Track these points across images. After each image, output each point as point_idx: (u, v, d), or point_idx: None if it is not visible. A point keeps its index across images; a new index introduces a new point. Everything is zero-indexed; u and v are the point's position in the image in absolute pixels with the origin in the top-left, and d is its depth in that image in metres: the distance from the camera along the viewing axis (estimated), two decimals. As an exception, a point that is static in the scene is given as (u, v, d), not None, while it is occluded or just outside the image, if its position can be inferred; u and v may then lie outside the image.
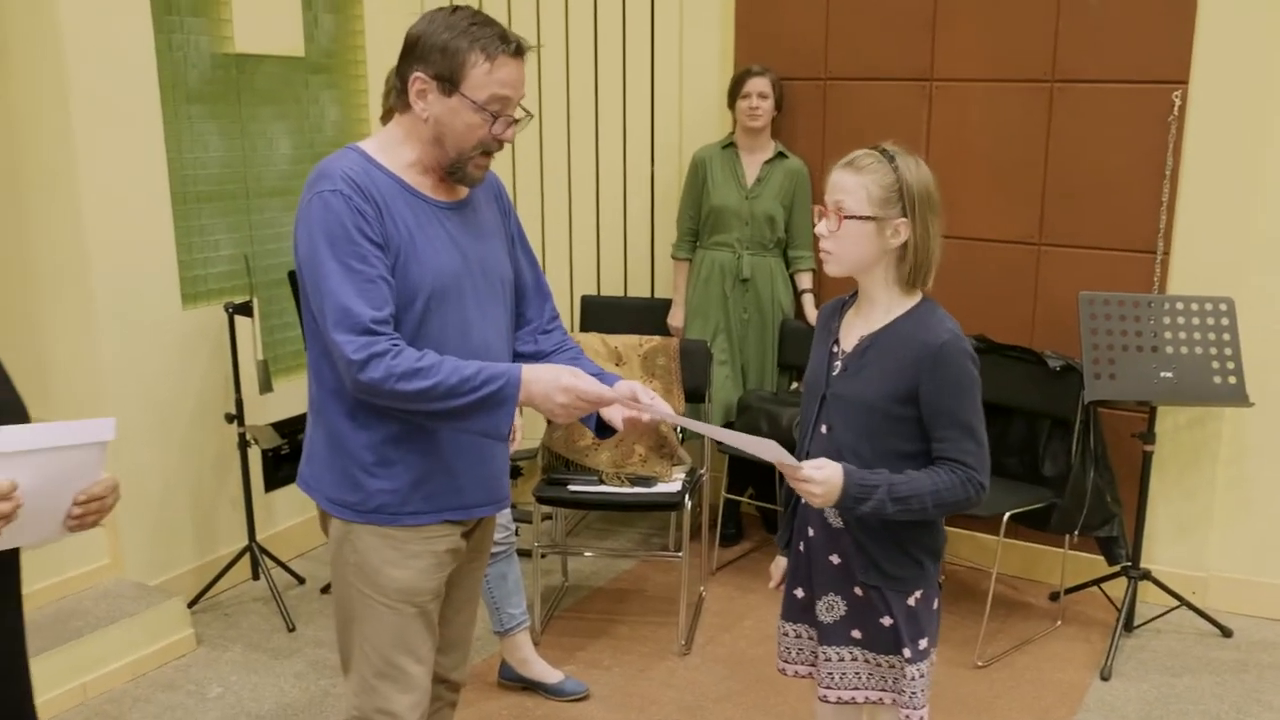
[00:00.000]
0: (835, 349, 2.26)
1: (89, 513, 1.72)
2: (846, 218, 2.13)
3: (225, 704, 3.47)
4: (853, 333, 2.24)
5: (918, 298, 2.21)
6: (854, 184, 2.13)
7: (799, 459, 2.29)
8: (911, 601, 2.23)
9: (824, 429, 2.25)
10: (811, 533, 2.31)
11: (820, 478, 2.07)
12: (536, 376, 2.03)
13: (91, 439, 1.67)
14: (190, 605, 3.95)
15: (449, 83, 2.06)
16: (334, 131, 4.60)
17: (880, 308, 2.21)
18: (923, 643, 2.25)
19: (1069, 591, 4.05)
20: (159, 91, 3.80)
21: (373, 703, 2.22)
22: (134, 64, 3.71)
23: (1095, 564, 3.98)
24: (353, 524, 2.16)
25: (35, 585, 3.55)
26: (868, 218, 2.13)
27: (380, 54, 4.63)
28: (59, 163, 3.58)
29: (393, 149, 2.14)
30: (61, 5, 3.46)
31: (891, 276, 2.19)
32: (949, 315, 2.19)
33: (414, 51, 2.08)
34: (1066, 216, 3.99)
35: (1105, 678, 3.58)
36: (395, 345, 1.99)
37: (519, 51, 2.10)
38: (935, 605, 2.29)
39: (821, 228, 2.18)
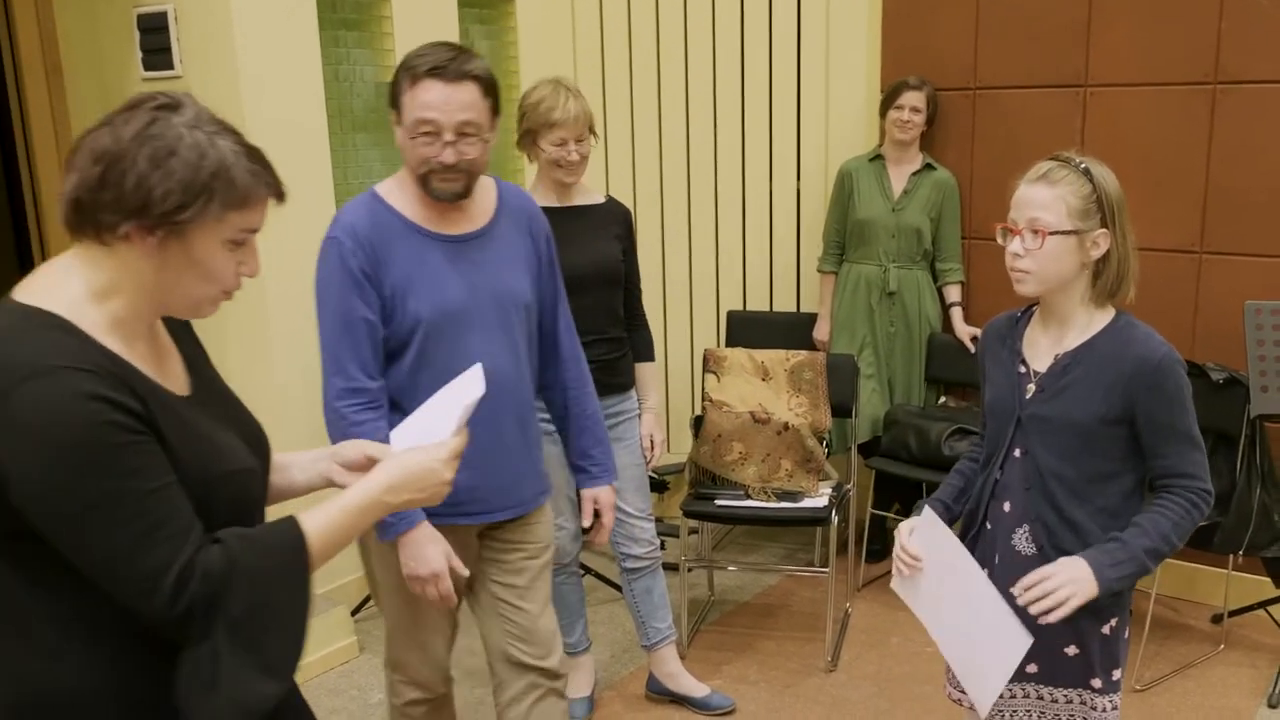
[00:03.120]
0: (1024, 370, 2.19)
1: None
2: (1049, 234, 2.05)
3: (386, 710, 3.62)
4: (1043, 352, 2.18)
5: (1112, 313, 2.14)
6: (1050, 197, 2.05)
7: (988, 490, 2.25)
8: (1107, 630, 2.16)
9: (1018, 453, 2.19)
10: (998, 560, 2.23)
11: (1066, 577, 1.98)
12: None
13: (473, 398, 1.67)
14: (353, 613, 4.13)
15: (397, 111, 2.25)
16: (493, 154, 4.76)
17: (1074, 325, 2.14)
18: (1116, 673, 2.18)
19: (1233, 614, 3.88)
20: (326, 120, 4.00)
21: (393, 653, 2.58)
22: (304, 94, 3.91)
23: (1261, 585, 3.80)
24: None
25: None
26: (1070, 232, 2.05)
27: (535, 77, 4.75)
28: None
29: (402, 186, 2.34)
30: (237, 39, 3.67)
31: (1088, 292, 2.12)
32: (1151, 328, 2.12)
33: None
34: (1229, 223, 3.84)
35: (1273, 705, 3.42)
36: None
37: (440, 73, 2.17)
38: (1127, 634, 2.22)
39: (1015, 246, 2.09)
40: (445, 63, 2.19)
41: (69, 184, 1.39)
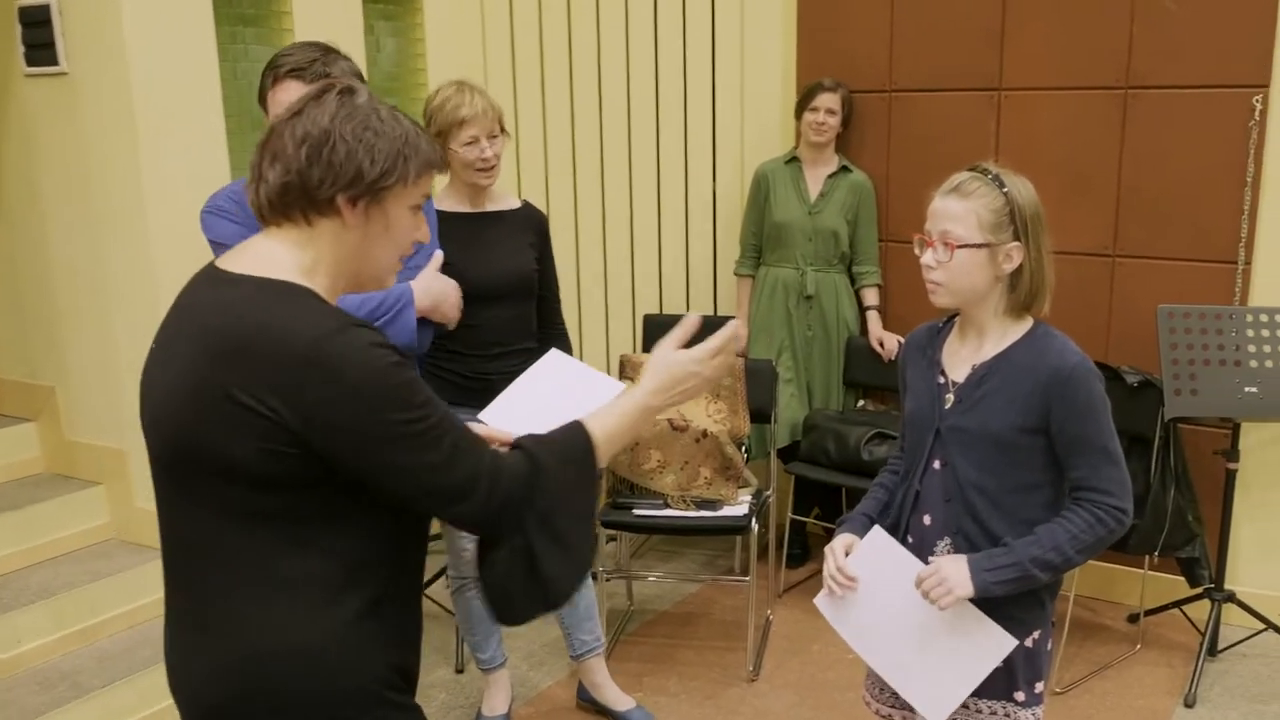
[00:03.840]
0: (942, 380, 2.17)
1: None
2: (958, 247, 2.03)
3: None
4: (961, 362, 2.16)
5: (1029, 322, 2.13)
6: (962, 210, 2.03)
7: (909, 503, 2.22)
8: (1029, 643, 2.14)
9: (938, 465, 2.16)
10: None
11: (946, 573, 2.02)
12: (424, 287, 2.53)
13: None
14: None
15: (265, 109, 2.36)
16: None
17: (991, 335, 2.12)
18: (1039, 685, 2.17)
19: (1149, 614, 3.92)
20: (224, 119, 3.83)
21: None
22: (199, 92, 3.74)
23: (1175, 585, 3.85)
24: None
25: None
26: (980, 245, 2.03)
27: (442, 77, 4.62)
28: (127, 192, 3.62)
29: None
30: (127, 33, 3.49)
31: (1003, 304, 2.10)
32: (1067, 338, 2.10)
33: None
34: (1142, 227, 3.87)
35: (1189, 705, 3.45)
36: None
37: (300, 75, 2.29)
38: (1050, 645, 2.20)
39: (928, 258, 2.07)
40: (307, 64, 2.29)
41: (274, 172, 1.51)
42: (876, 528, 2.19)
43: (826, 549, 2.24)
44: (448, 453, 1.49)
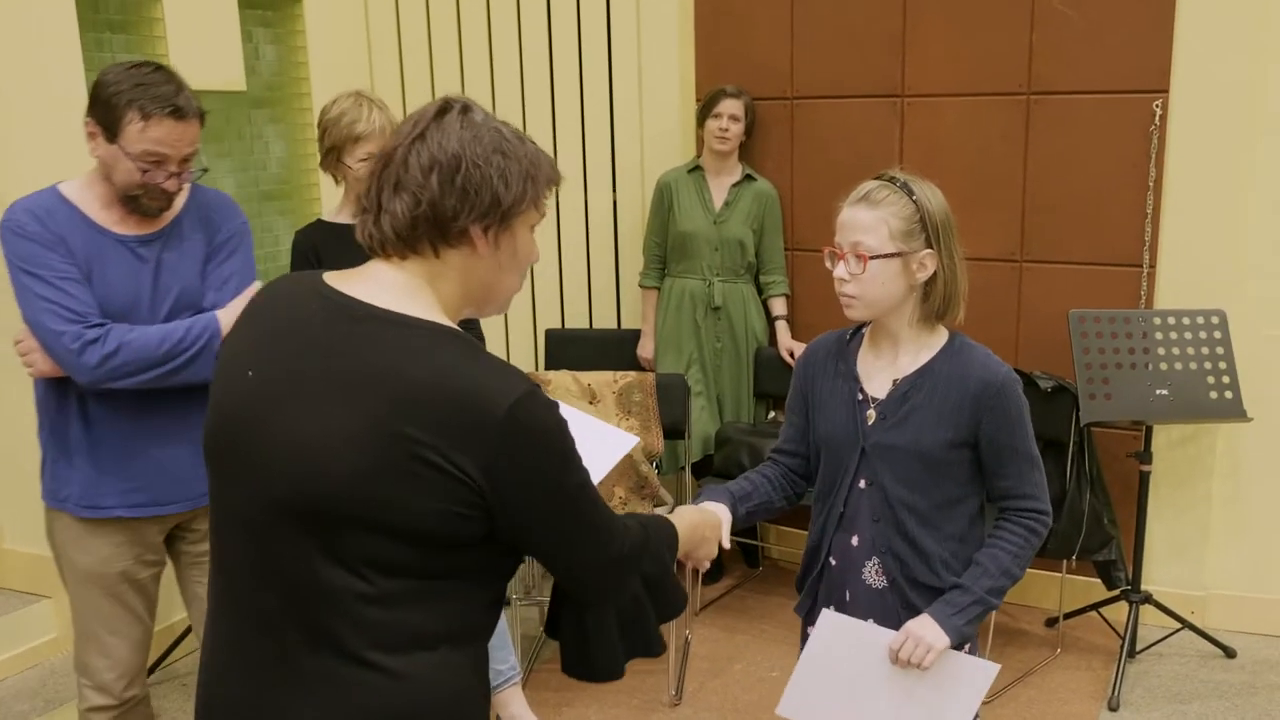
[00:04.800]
0: (861, 396, 2.10)
1: None
2: (871, 258, 1.98)
3: None
4: (880, 376, 2.10)
5: (945, 333, 2.09)
6: (872, 220, 1.99)
7: (831, 524, 2.16)
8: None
9: (863, 484, 2.10)
10: (849, 597, 2.15)
11: (923, 635, 2.00)
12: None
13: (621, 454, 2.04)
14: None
15: (110, 131, 2.30)
16: (279, 167, 4.39)
17: (907, 348, 2.08)
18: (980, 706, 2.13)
19: (1067, 617, 3.94)
20: (92, 133, 3.56)
21: (80, 655, 2.56)
22: (63, 102, 3.46)
23: (1091, 587, 3.87)
24: (51, 508, 2.52)
25: None
26: (893, 254, 1.99)
27: (325, 86, 4.42)
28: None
29: (90, 186, 2.42)
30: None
31: (917, 314, 2.06)
32: (987, 348, 2.08)
33: (92, 97, 2.33)
34: (1048, 232, 3.89)
35: (1113, 708, 3.46)
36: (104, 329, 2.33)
37: (178, 113, 2.31)
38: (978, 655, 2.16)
39: (841, 271, 2.02)
40: (174, 98, 2.30)
41: (401, 203, 1.43)
42: (825, 612, 2.12)
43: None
44: (605, 514, 1.52)
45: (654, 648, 1.74)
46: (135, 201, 2.37)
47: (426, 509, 1.36)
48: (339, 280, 1.48)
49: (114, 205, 2.40)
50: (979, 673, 2.03)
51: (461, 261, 1.46)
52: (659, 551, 1.68)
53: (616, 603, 1.65)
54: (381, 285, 1.45)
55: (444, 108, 1.47)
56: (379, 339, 1.39)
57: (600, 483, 3.72)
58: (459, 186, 1.41)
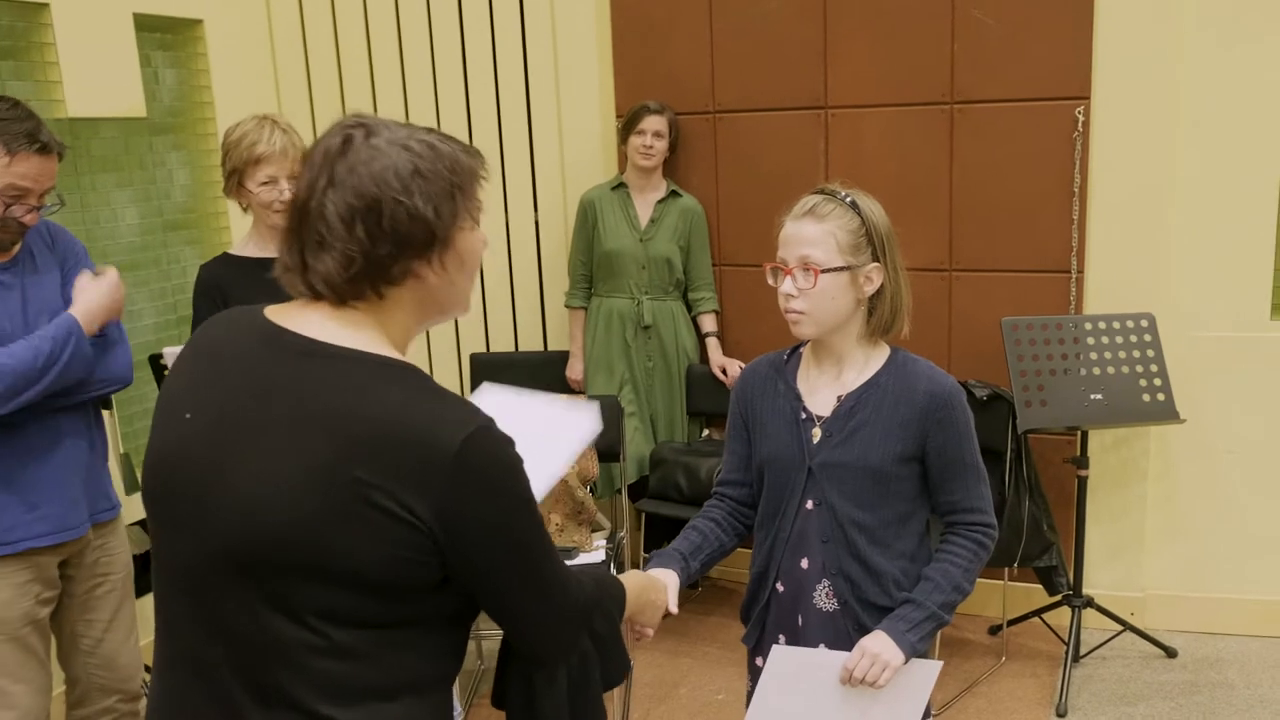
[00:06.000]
0: (805, 415, 2.06)
1: None
2: (821, 271, 1.94)
3: None
4: (823, 394, 2.06)
5: (887, 348, 2.06)
6: (819, 233, 1.96)
7: (779, 548, 2.11)
8: None
9: (810, 505, 2.05)
10: (801, 621, 2.10)
11: (876, 653, 1.95)
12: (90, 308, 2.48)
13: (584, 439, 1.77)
14: None
15: None
16: (185, 196, 4.20)
17: (852, 364, 2.04)
18: (930, 717, 2.14)
19: (1010, 624, 3.93)
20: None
21: None
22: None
23: (1033, 593, 3.87)
24: None
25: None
26: (842, 268, 1.95)
27: (230, 110, 4.24)
28: None
29: None
30: None
31: (863, 329, 2.02)
32: (930, 361, 2.05)
33: None
34: (976, 240, 3.89)
35: (1061, 715, 3.46)
36: None
37: (43, 149, 2.35)
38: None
39: (788, 287, 1.98)
40: (36, 133, 2.33)
41: (330, 263, 1.32)
42: (775, 647, 2.06)
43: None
44: (558, 564, 1.42)
45: (601, 715, 1.63)
46: None
47: (377, 555, 1.27)
48: (281, 314, 1.38)
49: None
50: (923, 671, 2.00)
51: (410, 294, 1.37)
52: (610, 609, 1.61)
53: (566, 659, 1.54)
54: (326, 317, 1.36)
55: (345, 138, 1.34)
56: (325, 376, 1.30)
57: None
58: (387, 230, 1.31)
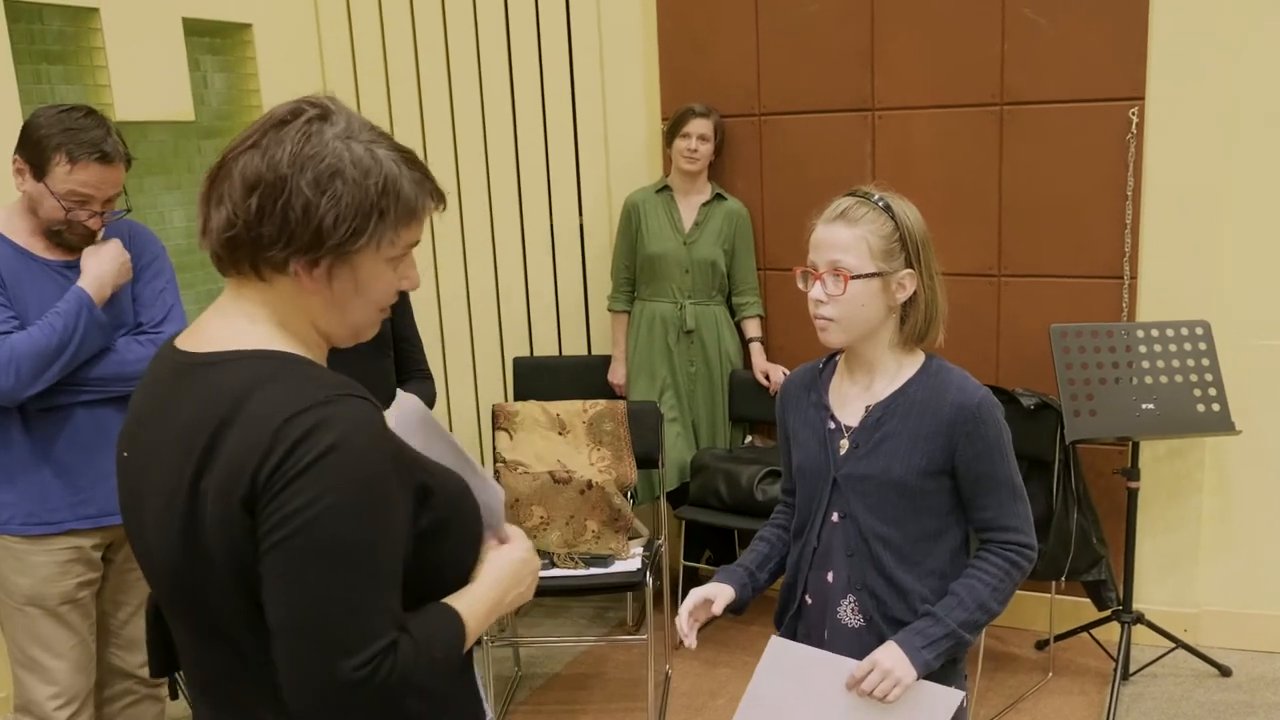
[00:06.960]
0: (833, 425, 2.00)
1: None
2: (852, 277, 1.88)
3: None
4: (853, 404, 2.00)
5: (921, 356, 1.99)
6: (850, 238, 1.89)
7: (806, 560, 2.06)
8: None
9: (836, 517, 2.00)
10: (827, 636, 2.04)
11: (887, 665, 1.87)
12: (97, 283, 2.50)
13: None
14: None
15: (38, 169, 2.42)
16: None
17: (883, 373, 1.98)
18: None
19: (1057, 639, 3.83)
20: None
21: (21, 693, 2.60)
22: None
23: (1081, 607, 3.76)
24: None
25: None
26: (874, 274, 1.89)
27: (278, 112, 4.28)
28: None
29: (18, 215, 2.53)
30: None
31: (895, 337, 1.96)
32: (964, 370, 1.97)
33: (21, 136, 2.45)
34: (1026, 245, 3.79)
35: (1110, 732, 3.36)
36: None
37: (105, 158, 2.43)
38: (966, 700, 2.03)
39: (817, 292, 1.92)
40: (100, 143, 2.41)
41: (218, 219, 1.26)
42: (774, 638, 2.01)
43: (690, 595, 2.04)
44: (372, 602, 1.20)
45: None
46: (58, 235, 2.51)
47: (251, 554, 1.20)
48: (185, 335, 1.35)
49: (38, 235, 2.52)
50: (941, 700, 1.90)
51: (289, 289, 1.29)
52: (441, 657, 1.28)
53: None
54: (220, 319, 1.31)
55: (294, 112, 1.27)
56: (197, 388, 1.26)
57: (570, 519, 3.60)
58: (278, 214, 1.23)
